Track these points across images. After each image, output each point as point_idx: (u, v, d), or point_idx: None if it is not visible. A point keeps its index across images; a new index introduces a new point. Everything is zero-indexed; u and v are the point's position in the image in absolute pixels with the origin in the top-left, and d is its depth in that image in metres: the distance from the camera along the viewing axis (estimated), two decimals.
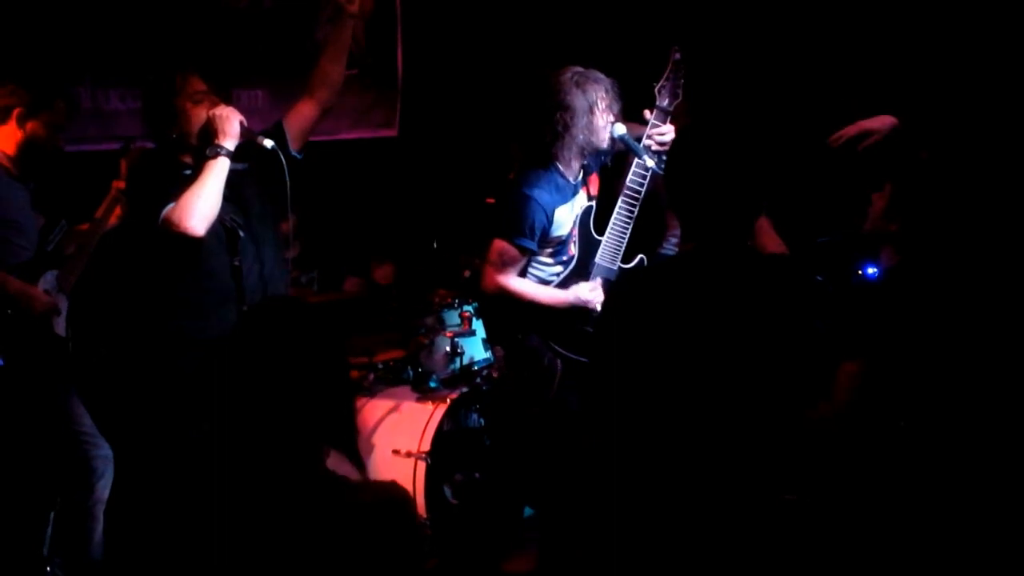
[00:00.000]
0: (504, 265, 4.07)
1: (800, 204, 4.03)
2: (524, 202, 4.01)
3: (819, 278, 3.84)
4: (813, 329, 2.71)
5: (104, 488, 4.22)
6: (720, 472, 2.61)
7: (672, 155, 2.80)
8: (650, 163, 3.98)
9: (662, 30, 5.14)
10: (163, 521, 2.23)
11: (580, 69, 4.06)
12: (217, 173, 3.59)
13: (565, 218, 4.09)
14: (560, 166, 4.06)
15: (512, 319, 4.16)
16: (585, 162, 4.14)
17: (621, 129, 4.02)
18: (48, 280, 4.15)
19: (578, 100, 3.97)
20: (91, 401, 4.27)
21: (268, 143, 3.67)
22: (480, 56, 6.40)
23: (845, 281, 4.15)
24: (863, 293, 3.22)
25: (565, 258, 4.16)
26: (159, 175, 3.74)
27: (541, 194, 4.01)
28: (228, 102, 3.76)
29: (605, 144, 4.06)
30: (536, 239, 4.05)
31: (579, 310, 4.07)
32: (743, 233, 2.72)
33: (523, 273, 4.14)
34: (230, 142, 3.63)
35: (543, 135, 4.02)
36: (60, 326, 4.18)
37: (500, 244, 4.07)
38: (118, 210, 4.27)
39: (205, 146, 3.65)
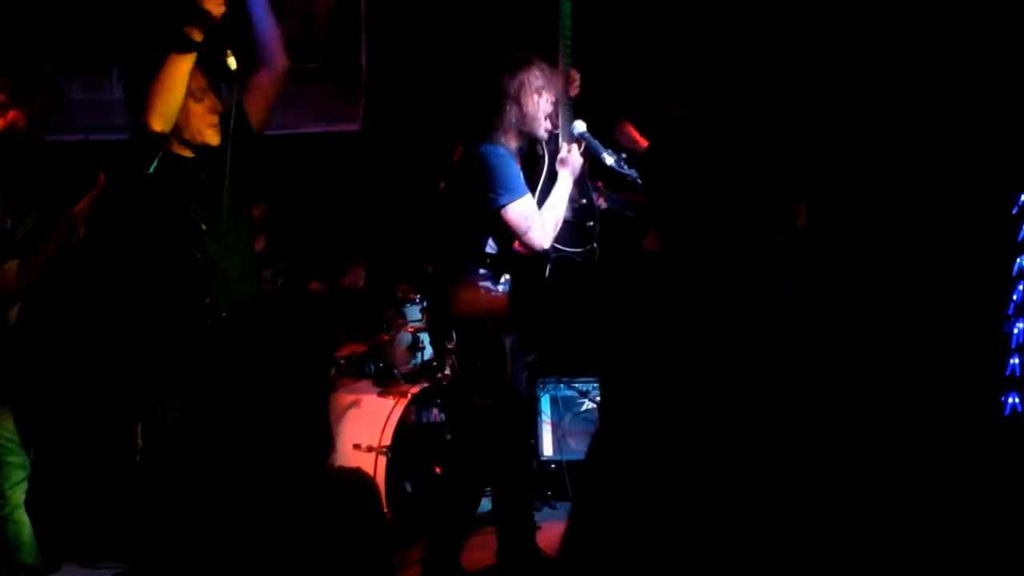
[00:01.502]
0: (532, 220, 3.99)
1: (756, 202, 4.08)
2: (499, 159, 4.00)
3: (776, 275, 3.89)
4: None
5: (20, 492, 4.15)
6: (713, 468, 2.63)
7: (660, 160, 2.78)
8: (609, 160, 4.01)
9: (628, 35, 5.17)
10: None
11: (519, 53, 4.09)
12: (182, 67, 3.45)
13: None
14: (502, 144, 4.06)
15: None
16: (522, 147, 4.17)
17: (581, 127, 4.04)
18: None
19: (506, 82, 4.02)
20: (24, 402, 4.22)
21: (232, 62, 3.58)
22: (444, 48, 6.40)
23: (798, 277, 4.21)
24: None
25: None
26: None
27: (504, 150, 4.03)
28: (214, 89, 3.73)
29: (541, 128, 4.07)
30: (524, 184, 4.01)
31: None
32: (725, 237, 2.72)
33: (477, 262, 4.12)
34: (198, 35, 3.46)
35: (481, 116, 4.06)
36: (11, 314, 4.15)
37: (513, 209, 3.98)
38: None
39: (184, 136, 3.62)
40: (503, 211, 3.99)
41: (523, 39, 5.46)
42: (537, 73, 4.05)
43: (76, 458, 4.63)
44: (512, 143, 4.09)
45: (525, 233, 4.01)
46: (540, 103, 4.04)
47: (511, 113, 4.02)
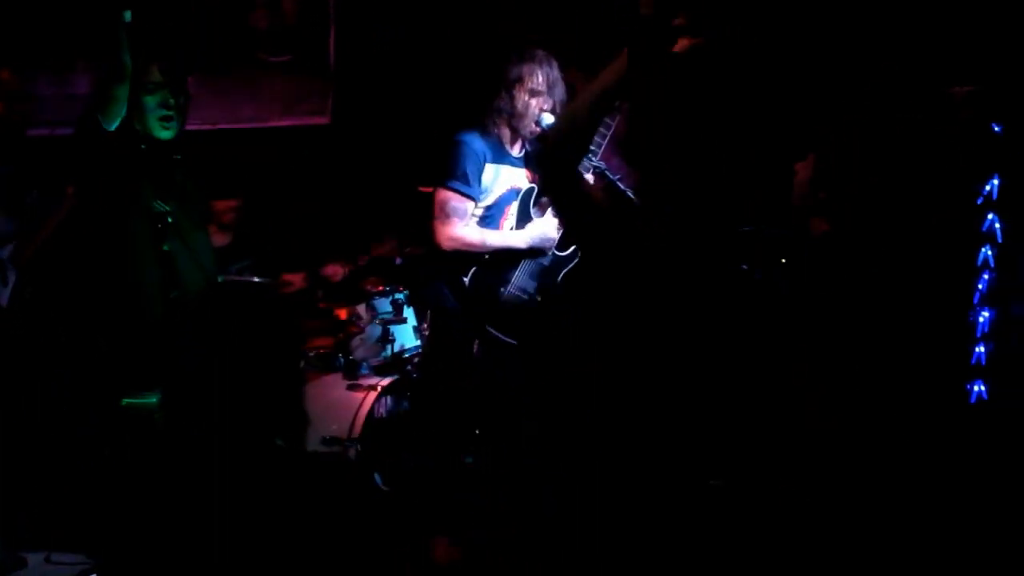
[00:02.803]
0: (448, 216, 4.05)
1: (723, 193, 4.09)
2: (454, 147, 4.07)
3: (744, 267, 3.90)
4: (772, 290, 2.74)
5: None
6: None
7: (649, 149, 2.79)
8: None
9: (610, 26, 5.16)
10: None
11: (535, 49, 4.12)
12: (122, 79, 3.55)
13: (490, 180, 4.11)
14: (491, 130, 4.11)
15: (437, 289, 4.18)
16: (527, 146, 4.18)
17: (549, 119, 4.05)
18: (2, 252, 4.09)
19: (506, 70, 4.07)
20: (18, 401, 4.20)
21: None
22: (414, 41, 6.38)
23: (770, 269, 4.22)
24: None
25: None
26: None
27: (472, 140, 4.06)
28: (184, 91, 3.75)
29: (527, 125, 4.09)
30: (472, 184, 4.05)
31: (514, 272, 4.07)
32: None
33: None
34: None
35: (479, 97, 4.12)
36: (3, 296, 4.11)
37: (439, 194, 4.07)
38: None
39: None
40: (436, 189, 4.07)
41: (504, 34, 5.49)
42: (539, 75, 4.08)
43: (53, 453, 4.58)
44: (502, 130, 4.13)
45: (434, 219, 4.08)
46: (530, 103, 4.06)
47: (502, 100, 4.07)
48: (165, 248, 3.70)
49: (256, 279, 4.96)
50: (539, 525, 4.23)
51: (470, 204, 4.07)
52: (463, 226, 4.06)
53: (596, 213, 3.76)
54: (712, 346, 2.70)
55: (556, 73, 4.09)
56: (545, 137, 4.00)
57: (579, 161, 3.85)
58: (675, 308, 2.67)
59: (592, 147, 4.01)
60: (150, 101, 3.69)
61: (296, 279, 5.64)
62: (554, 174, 2.87)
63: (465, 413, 4.20)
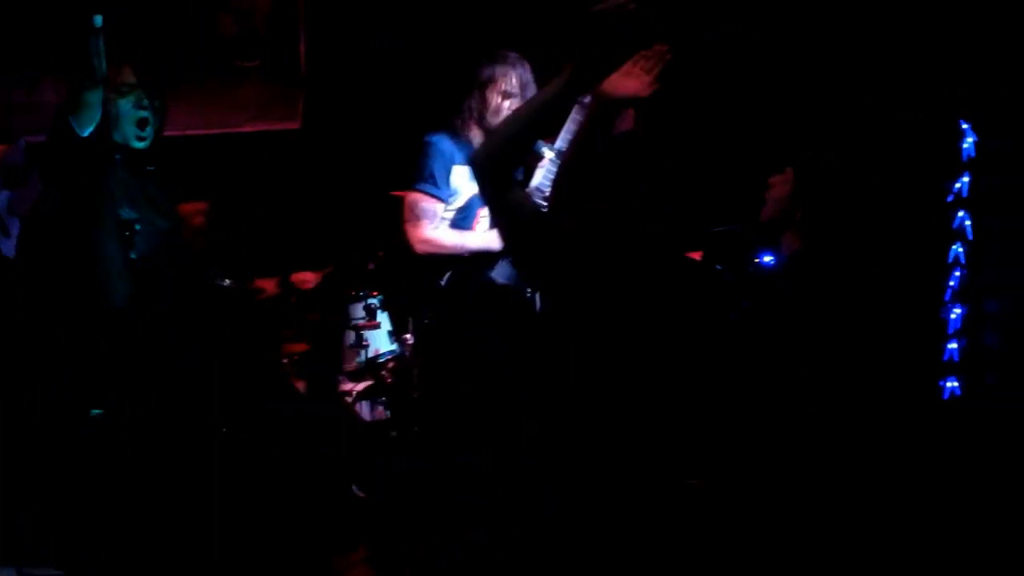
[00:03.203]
0: (418, 218, 4.05)
1: (695, 193, 4.10)
2: (423, 148, 4.08)
3: (718, 267, 3.91)
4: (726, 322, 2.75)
5: None
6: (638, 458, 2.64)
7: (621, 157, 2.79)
8: (548, 154, 4.01)
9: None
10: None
11: (508, 51, 4.13)
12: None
13: (461, 183, 4.09)
14: (461, 132, 4.11)
15: (420, 294, 4.19)
16: None
17: None
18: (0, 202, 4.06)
19: (479, 71, 4.07)
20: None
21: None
22: (385, 46, 6.37)
23: (742, 270, 4.23)
24: (769, 281, 3.26)
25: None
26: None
27: (440, 141, 4.07)
28: (161, 95, 3.71)
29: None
30: (440, 186, 4.05)
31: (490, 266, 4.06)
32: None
33: None
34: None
35: (452, 99, 4.13)
36: (8, 247, 4.08)
37: (408, 196, 4.09)
38: None
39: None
40: (405, 192, 4.10)
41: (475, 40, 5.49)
42: (512, 77, 4.07)
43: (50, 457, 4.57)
44: (473, 132, 4.11)
45: (406, 222, 4.09)
46: (501, 105, 4.04)
47: (473, 100, 4.06)
48: (132, 256, 3.68)
49: (227, 282, 4.94)
50: (539, 525, 4.22)
51: (439, 205, 4.06)
52: (433, 228, 4.06)
53: (527, 221, 3.72)
54: (710, 345, 2.70)
55: (529, 76, 4.09)
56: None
57: (512, 168, 3.86)
58: (673, 308, 2.67)
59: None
60: (124, 104, 3.65)
61: (269, 285, 5.63)
62: (486, 178, 2.85)
63: (462, 415, 4.18)
